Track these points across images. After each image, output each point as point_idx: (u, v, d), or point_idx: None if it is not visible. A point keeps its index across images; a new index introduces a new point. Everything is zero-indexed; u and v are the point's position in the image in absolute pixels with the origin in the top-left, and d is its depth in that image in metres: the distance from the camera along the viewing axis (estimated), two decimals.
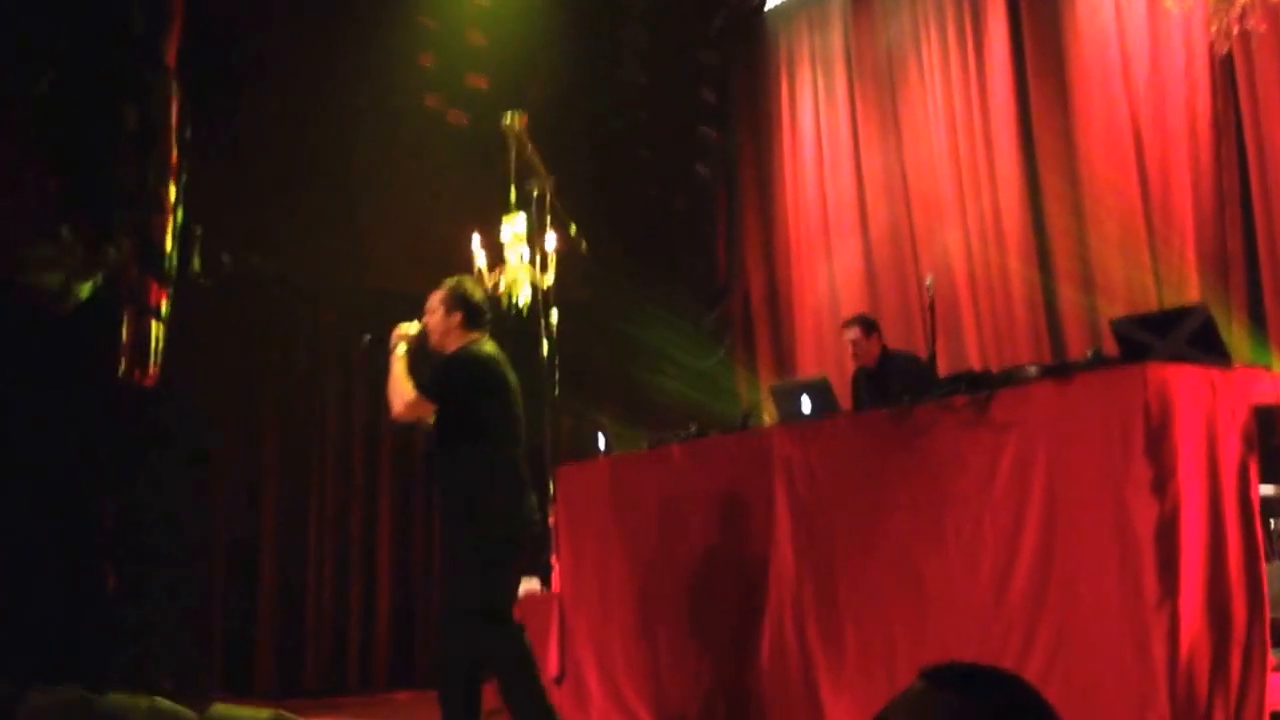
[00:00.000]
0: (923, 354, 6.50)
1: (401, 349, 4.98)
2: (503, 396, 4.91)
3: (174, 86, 7.32)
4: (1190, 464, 4.09)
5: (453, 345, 4.95)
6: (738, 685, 5.41)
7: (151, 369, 7.32)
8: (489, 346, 4.99)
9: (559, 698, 6.44)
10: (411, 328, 5.02)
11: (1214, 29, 7.05)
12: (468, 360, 4.90)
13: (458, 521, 4.86)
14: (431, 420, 4.97)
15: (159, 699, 3.79)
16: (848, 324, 7.39)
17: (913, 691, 1.53)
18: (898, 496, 4.85)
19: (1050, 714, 1.52)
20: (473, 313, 4.99)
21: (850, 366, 7.32)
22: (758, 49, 10.29)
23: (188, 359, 7.95)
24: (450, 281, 5.08)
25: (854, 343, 7.19)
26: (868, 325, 7.26)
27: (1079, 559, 4.21)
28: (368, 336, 5.25)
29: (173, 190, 7.47)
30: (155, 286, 7.32)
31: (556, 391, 7.97)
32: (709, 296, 10.47)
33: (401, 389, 4.88)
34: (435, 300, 5.02)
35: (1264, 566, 4.18)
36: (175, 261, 7.52)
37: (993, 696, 1.50)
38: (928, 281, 6.31)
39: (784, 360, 9.64)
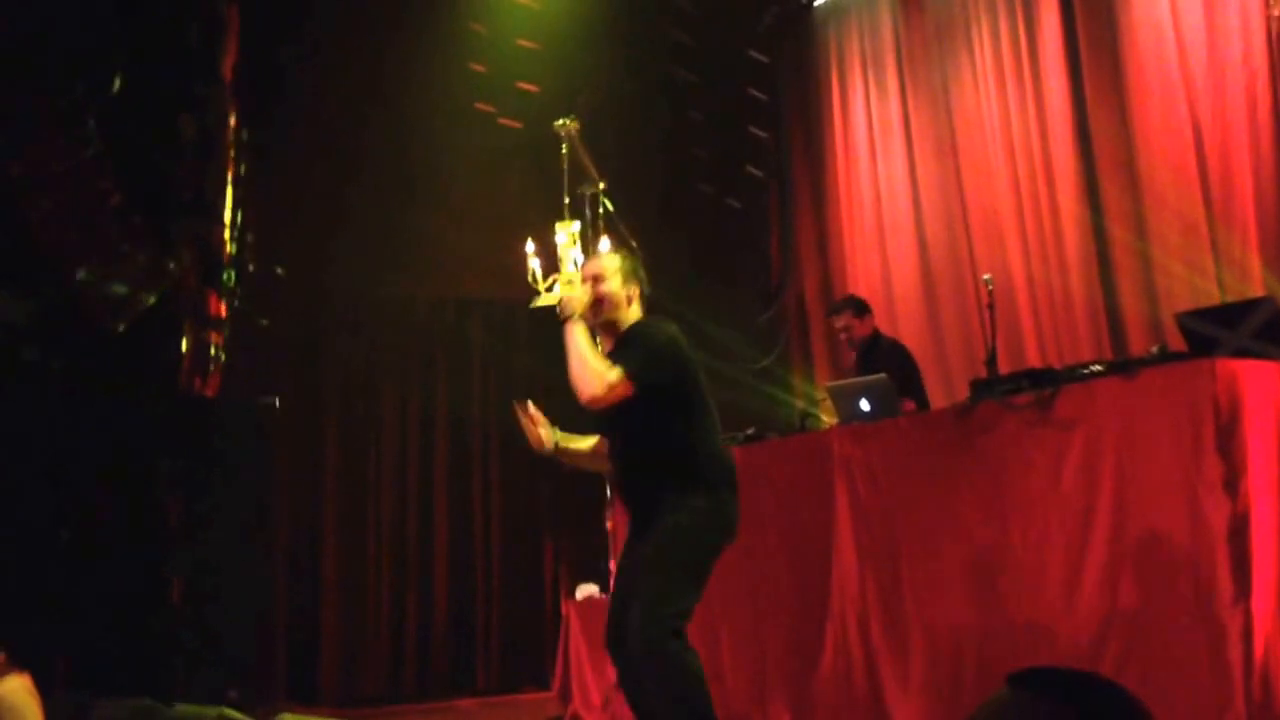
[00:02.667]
0: (981, 352, 6.44)
1: (581, 318, 4.19)
2: (700, 379, 4.26)
3: (231, 97, 7.39)
4: (1262, 460, 4.03)
5: (624, 322, 4.27)
6: (801, 688, 5.37)
7: (212, 378, 7.39)
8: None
9: (620, 702, 6.44)
10: (583, 295, 4.26)
11: (1273, 13, 6.94)
12: (672, 333, 4.20)
13: (664, 521, 4.08)
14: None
15: (226, 709, 3.80)
16: (837, 310, 7.34)
17: (1000, 698, 1.50)
18: (961, 497, 4.80)
19: (1141, 711, 1.48)
20: (644, 289, 4.38)
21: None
22: (807, 46, 10.24)
23: (249, 367, 8.02)
24: (621, 250, 4.53)
25: (845, 328, 7.17)
26: (859, 307, 7.23)
27: (1150, 559, 4.15)
28: (536, 302, 4.61)
29: (230, 200, 7.53)
30: (214, 297, 7.39)
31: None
32: (763, 296, 10.43)
33: (595, 368, 4.05)
34: (608, 267, 4.32)
35: None
36: (234, 271, 7.58)
37: (1083, 698, 1.47)
38: (986, 278, 6.24)
39: (840, 360, 9.58)
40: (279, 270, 7.87)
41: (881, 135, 9.47)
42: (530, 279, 8.19)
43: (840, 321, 7.23)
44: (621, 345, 4.19)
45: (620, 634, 4.10)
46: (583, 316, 4.18)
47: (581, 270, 4.37)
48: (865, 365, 6.91)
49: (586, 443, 4.53)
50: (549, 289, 8.05)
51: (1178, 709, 4.00)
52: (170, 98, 7.15)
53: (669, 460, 4.09)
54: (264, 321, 7.52)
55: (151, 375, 7.45)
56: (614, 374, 4.02)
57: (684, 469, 4.07)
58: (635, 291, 4.30)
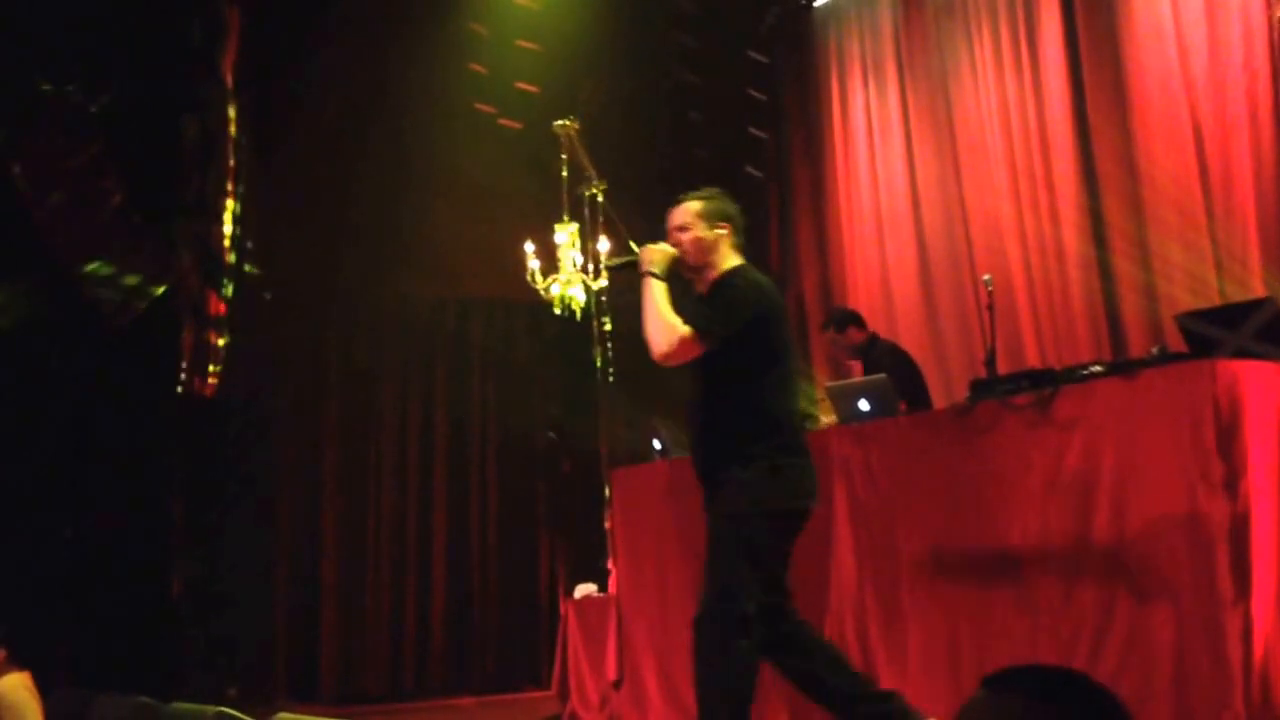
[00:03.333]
0: (980, 351, 6.45)
1: (658, 274, 4.04)
2: (789, 331, 4.11)
3: (231, 98, 7.40)
4: (1262, 461, 4.04)
5: (717, 267, 4.09)
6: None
7: (212, 379, 7.39)
8: (763, 274, 4.16)
9: (617, 702, 6.45)
10: (664, 248, 4.10)
11: (1274, 15, 6.95)
12: (756, 285, 4.03)
13: (733, 486, 3.93)
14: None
15: (225, 708, 3.80)
16: (824, 327, 7.39)
17: (976, 700, 1.50)
18: (960, 497, 4.80)
19: (1117, 708, 1.48)
20: (738, 225, 4.16)
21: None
22: (807, 48, 10.24)
23: (249, 367, 8.03)
24: (705, 191, 4.22)
25: (832, 342, 7.22)
26: (839, 321, 7.25)
27: (1149, 559, 4.15)
28: (614, 260, 4.35)
29: (231, 201, 7.54)
30: (215, 297, 7.39)
31: (610, 394, 7.97)
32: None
33: (667, 324, 3.91)
34: (689, 213, 4.12)
35: None
36: (234, 271, 7.58)
37: (1058, 696, 1.46)
38: (985, 279, 6.25)
39: (839, 361, 9.59)
40: (266, 295, 7.83)
41: (881, 136, 9.48)
42: (529, 279, 8.21)
43: (828, 337, 7.30)
44: (706, 298, 4.06)
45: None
46: (667, 270, 4.05)
47: (667, 220, 4.17)
48: (868, 371, 6.95)
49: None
50: (548, 288, 8.08)
51: (1177, 709, 4.01)
52: (172, 98, 7.17)
53: (736, 418, 3.96)
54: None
55: (153, 375, 7.46)
56: (684, 330, 3.90)
57: (752, 427, 3.93)
58: (725, 231, 4.11)
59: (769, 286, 4.08)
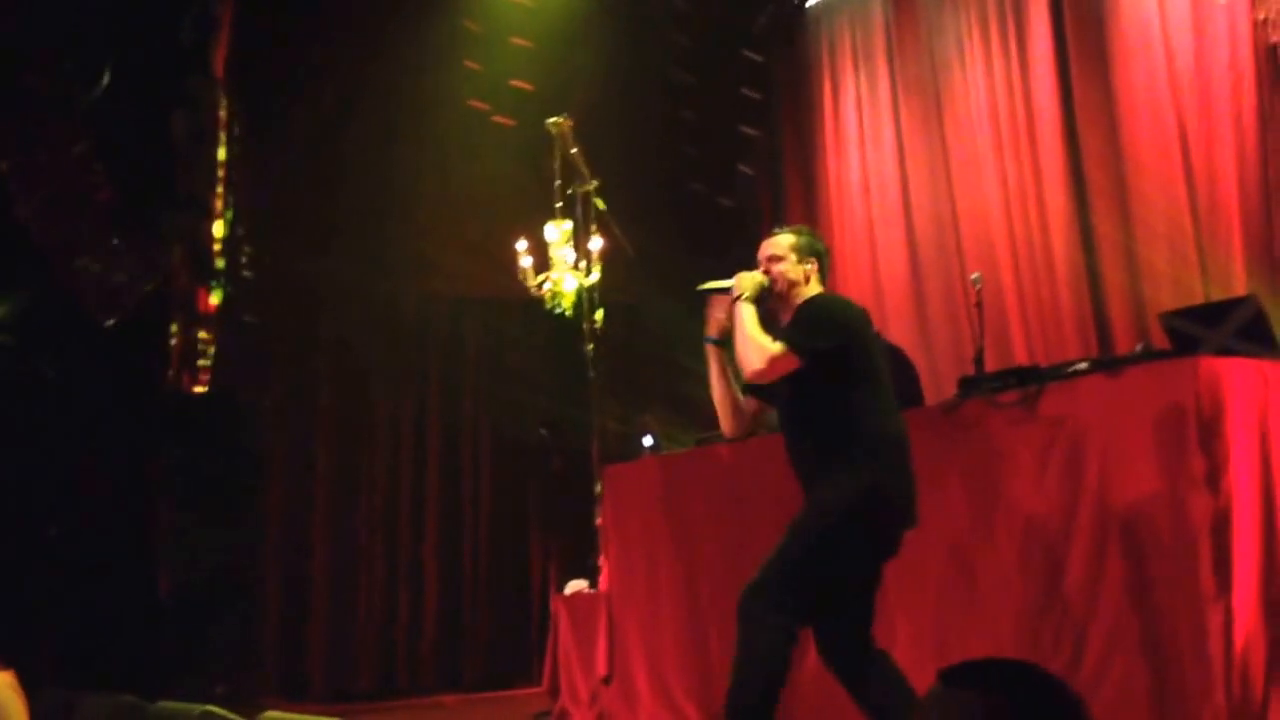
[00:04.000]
0: (970, 350, 6.48)
1: (749, 298, 4.19)
2: (878, 349, 4.21)
3: (222, 93, 7.41)
4: (1243, 457, 4.07)
5: (799, 299, 4.22)
6: (789, 683, 5.39)
7: (201, 375, 7.40)
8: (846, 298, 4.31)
9: (607, 698, 6.47)
10: (757, 275, 4.24)
11: (1259, 17, 6.99)
12: (841, 304, 4.21)
13: (827, 493, 3.97)
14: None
15: (211, 706, 3.81)
16: None
17: (931, 695, 1.51)
18: (947, 492, 4.83)
19: (1072, 701, 1.49)
20: (824, 263, 4.31)
21: None
22: (800, 46, 10.27)
23: (239, 365, 8.04)
24: (797, 228, 4.41)
25: None
26: None
27: (1132, 554, 4.19)
28: (707, 285, 4.39)
29: (221, 196, 7.54)
30: (204, 293, 7.40)
31: (602, 391, 7.98)
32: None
33: (758, 344, 4.04)
34: (782, 246, 4.27)
35: None
36: (224, 268, 7.59)
37: (1011, 690, 1.48)
38: (974, 277, 6.27)
39: None
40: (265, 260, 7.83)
41: (872, 135, 9.52)
42: (522, 276, 8.23)
43: None
44: (792, 321, 4.16)
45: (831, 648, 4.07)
46: (757, 297, 4.18)
47: (759, 251, 4.32)
48: None
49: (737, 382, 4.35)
50: (539, 286, 8.09)
51: (1160, 702, 4.04)
52: (163, 93, 7.17)
53: (828, 433, 4.02)
54: (250, 320, 7.47)
55: (141, 371, 7.47)
56: (776, 347, 4.01)
57: (842, 443, 3.98)
58: (813, 268, 4.25)
59: (855, 307, 4.21)
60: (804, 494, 4.11)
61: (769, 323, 4.25)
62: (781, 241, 4.28)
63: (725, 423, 4.42)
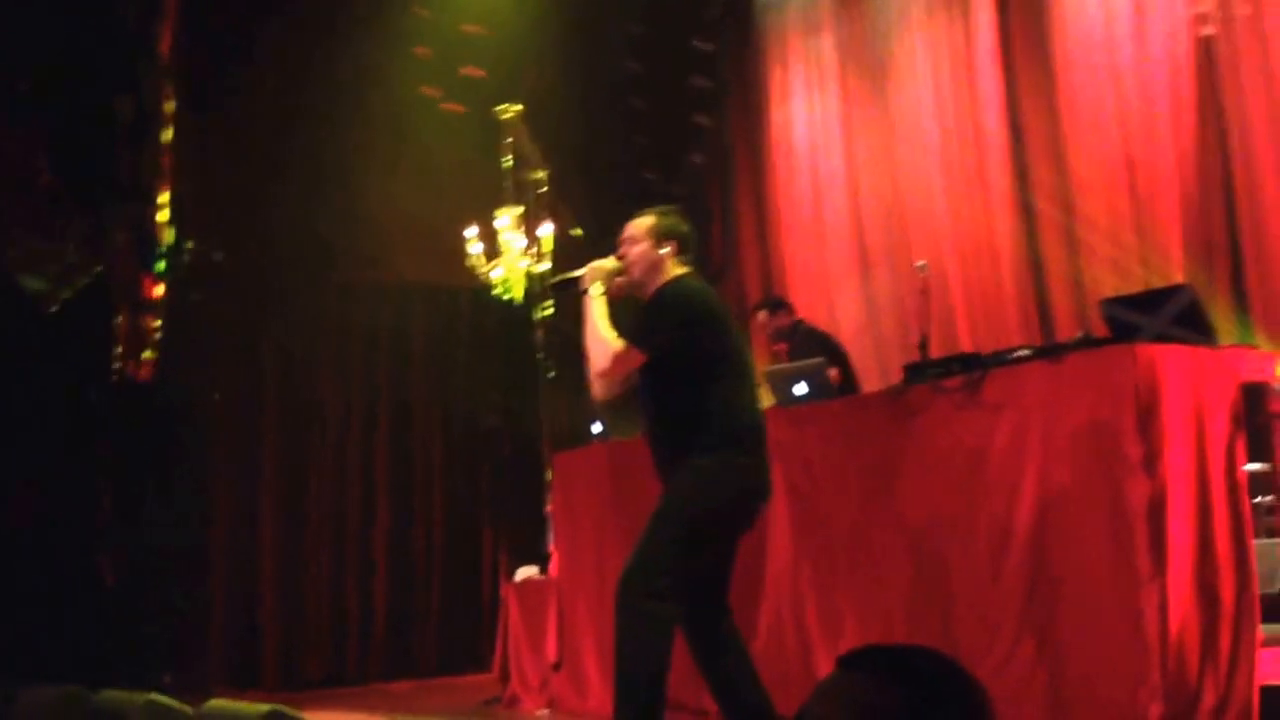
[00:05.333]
0: (915, 336, 6.57)
1: (599, 290, 4.13)
2: (732, 334, 4.12)
3: (167, 78, 7.34)
4: (1179, 442, 4.15)
5: (658, 283, 4.14)
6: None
7: (146, 362, 7.35)
8: (700, 282, 4.20)
9: (557, 683, 6.51)
10: (609, 263, 4.19)
11: (1197, 10, 7.11)
12: (685, 293, 4.08)
13: (679, 481, 4.00)
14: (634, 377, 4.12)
15: (156, 695, 3.80)
16: (754, 310, 7.66)
17: (829, 680, 1.53)
18: (893, 478, 4.90)
19: (969, 685, 1.52)
20: (686, 244, 4.21)
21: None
22: (750, 36, 10.32)
23: (185, 352, 7.98)
24: (657, 209, 4.28)
25: (764, 325, 7.41)
26: (772, 306, 7.55)
27: (1072, 538, 4.26)
28: (555, 278, 4.33)
29: (165, 183, 7.48)
30: (149, 280, 7.34)
31: (552, 377, 8.01)
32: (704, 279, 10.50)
33: (602, 340, 4.02)
34: (639, 229, 4.18)
35: (1251, 543, 4.23)
36: (169, 255, 7.53)
37: (905, 675, 1.50)
38: (919, 265, 6.36)
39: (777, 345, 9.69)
40: (217, 256, 7.79)
41: (820, 124, 9.60)
42: (471, 264, 8.23)
43: (758, 320, 7.48)
44: (637, 314, 4.11)
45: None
46: (610, 284, 4.13)
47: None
48: (792, 354, 7.14)
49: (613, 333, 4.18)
50: (489, 273, 8.10)
51: (1097, 682, 4.13)
52: (106, 77, 7.09)
53: (683, 419, 4.01)
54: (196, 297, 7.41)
55: (85, 359, 7.40)
56: (618, 344, 3.99)
57: (697, 428, 3.98)
58: (672, 250, 4.16)
59: (703, 293, 4.12)
60: (661, 479, 4.12)
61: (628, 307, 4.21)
62: (640, 223, 4.21)
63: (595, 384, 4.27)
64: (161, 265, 7.39)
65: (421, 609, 9.55)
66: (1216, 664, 4.06)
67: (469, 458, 9.92)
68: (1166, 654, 3.98)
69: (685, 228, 4.25)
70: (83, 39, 7.07)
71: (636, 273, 4.17)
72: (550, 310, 7.89)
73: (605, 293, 4.13)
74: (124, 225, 7.20)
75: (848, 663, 1.51)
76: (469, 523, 9.86)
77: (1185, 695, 3.99)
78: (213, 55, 8.16)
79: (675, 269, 4.17)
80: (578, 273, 4.22)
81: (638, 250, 4.17)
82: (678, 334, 4.00)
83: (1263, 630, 4.16)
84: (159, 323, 7.46)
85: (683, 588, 3.97)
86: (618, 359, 4.00)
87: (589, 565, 6.40)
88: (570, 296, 4.28)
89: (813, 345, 7.05)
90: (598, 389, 4.15)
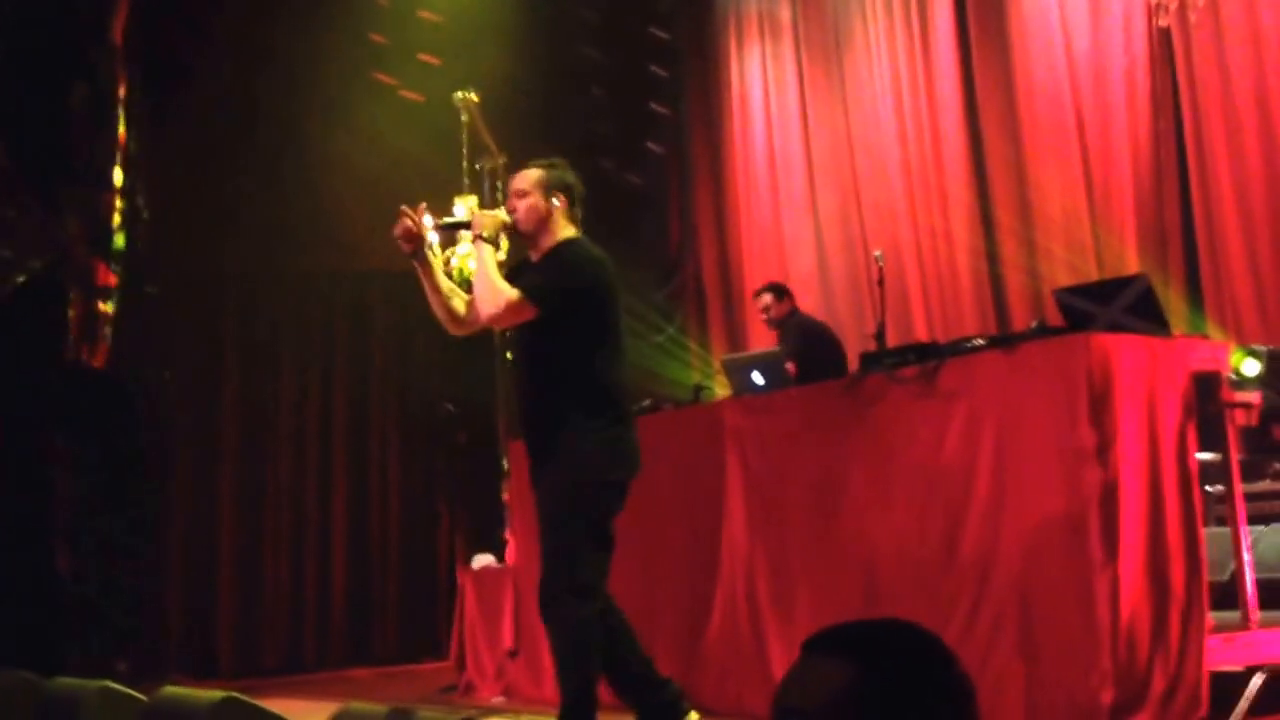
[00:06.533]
0: (871, 326, 6.61)
1: (488, 237, 4.08)
2: (620, 307, 4.14)
3: (121, 63, 7.25)
4: (1131, 430, 4.19)
5: (549, 239, 4.10)
6: (691, 653, 5.48)
7: (101, 349, 7.27)
8: (598, 248, 4.16)
9: (513, 671, 6.51)
10: (499, 214, 4.15)
11: (1153, 2, 7.18)
12: (587, 257, 4.06)
13: (565, 456, 3.98)
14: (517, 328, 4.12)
15: (110, 683, 3.76)
16: (759, 293, 7.67)
17: (798, 667, 1.49)
18: (849, 466, 4.93)
19: (942, 657, 1.48)
20: (574, 198, 4.16)
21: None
22: (707, 23, 10.34)
23: (141, 339, 7.91)
24: (545, 161, 4.21)
25: (765, 309, 7.45)
26: (778, 291, 7.57)
27: (1025, 524, 4.30)
28: (441, 220, 4.36)
29: (120, 169, 7.40)
30: (103, 267, 7.27)
31: (508, 366, 7.98)
32: (662, 271, 10.52)
33: (495, 287, 3.97)
34: (527, 181, 4.12)
35: (1202, 531, 4.29)
36: (124, 241, 7.45)
37: (876, 655, 1.45)
38: (876, 254, 6.40)
39: (736, 334, 9.73)
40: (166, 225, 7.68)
41: (778, 114, 9.62)
42: (428, 250, 8.18)
43: (761, 302, 7.49)
44: (537, 265, 4.08)
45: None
46: (497, 234, 4.10)
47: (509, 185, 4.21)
48: (779, 342, 7.19)
49: (449, 286, 4.33)
50: (446, 261, 8.06)
51: (1049, 666, 4.18)
52: (60, 62, 7.01)
53: (568, 387, 4.00)
54: (151, 290, 7.34)
55: (37, 345, 7.32)
56: (512, 293, 3.95)
57: (583, 397, 3.98)
58: (562, 203, 4.12)
59: (604, 260, 4.12)
60: (530, 437, 4.08)
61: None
62: (528, 175, 4.17)
63: (449, 327, 4.36)
64: (114, 252, 7.31)
65: (379, 597, 9.53)
66: (1167, 650, 4.11)
67: (426, 445, 9.90)
68: (1117, 640, 4.04)
69: (573, 180, 4.21)
70: (36, 24, 6.98)
71: (525, 225, 4.13)
72: None
73: (492, 241, 4.11)
74: (78, 211, 7.12)
75: (812, 646, 1.48)
76: (426, 510, 9.84)
77: (1135, 681, 4.05)
78: (168, 41, 8.07)
79: (564, 223, 4.15)
80: (465, 218, 4.26)
81: (526, 203, 4.12)
82: (576, 297, 3.98)
83: (1212, 617, 4.21)
84: (113, 309, 7.38)
85: (599, 576, 4.00)
86: (510, 307, 3.97)
87: None
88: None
89: (798, 337, 7.10)
90: (475, 327, 4.17)
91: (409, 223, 4.16)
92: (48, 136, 7.06)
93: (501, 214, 4.16)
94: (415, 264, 4.27)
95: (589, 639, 3.92)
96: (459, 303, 4.28)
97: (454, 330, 4.38)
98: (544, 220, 4.12)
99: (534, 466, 4.12)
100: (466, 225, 4.20)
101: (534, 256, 4.18)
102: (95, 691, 3.67)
